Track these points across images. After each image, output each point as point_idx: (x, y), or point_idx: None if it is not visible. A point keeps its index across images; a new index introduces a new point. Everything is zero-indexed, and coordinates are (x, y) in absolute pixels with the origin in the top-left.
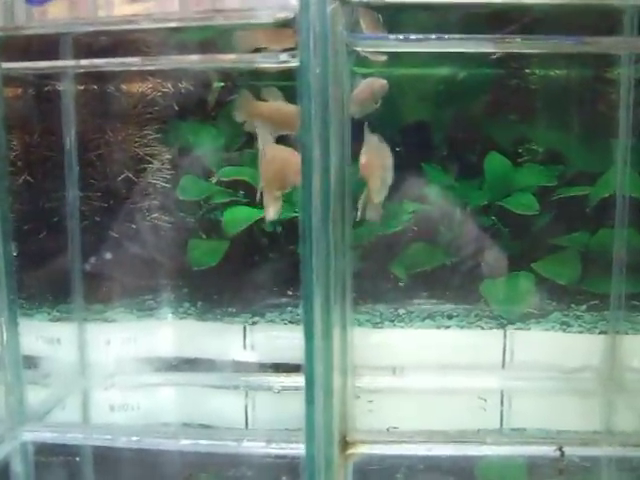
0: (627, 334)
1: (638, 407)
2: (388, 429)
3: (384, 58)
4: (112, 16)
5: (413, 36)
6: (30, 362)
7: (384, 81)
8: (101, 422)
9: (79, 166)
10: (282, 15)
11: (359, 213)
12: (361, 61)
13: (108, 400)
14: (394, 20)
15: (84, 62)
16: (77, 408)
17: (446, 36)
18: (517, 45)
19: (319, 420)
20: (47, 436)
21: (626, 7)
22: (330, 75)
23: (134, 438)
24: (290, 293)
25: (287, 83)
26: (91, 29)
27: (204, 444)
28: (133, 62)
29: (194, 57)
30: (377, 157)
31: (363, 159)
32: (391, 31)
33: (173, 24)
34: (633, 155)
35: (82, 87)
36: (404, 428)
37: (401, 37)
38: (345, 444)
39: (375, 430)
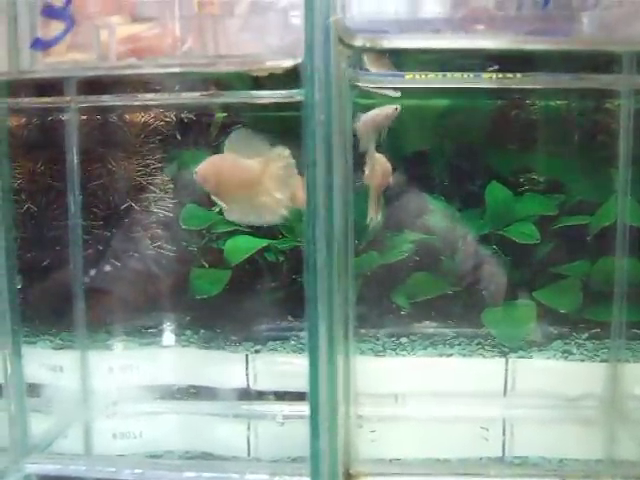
0: (628, 362)
1: (639, 436)
2: (391, 460)
3: (397, 94)
4: (115, 61)
5: (414, 74)
6: (33, 390)
7: (390, 110)
8: (103, 450)
9: (82, 195)
10: (288, 64)
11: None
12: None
13: (110, 428)
14: (398, 54)
15: (88, 98)
16: (80, 436)
17: (447, 74)
18: (517, 81)
19: (324, 451)
20: (50, 468)
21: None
22: (334, 111)
23: (137, 470)
24: (292, 322)
25: (287, 114)
26: (94, 74)
27: (207, 476)
28: (137, 98)
29: (198, 94)
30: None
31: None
32: (396, 64)
33: (176, 69)
34: (633, 184)
35: (85, 117)
36: (407, 458)
37: (402, 75)
38: (349, 477)
39: (378, 461)
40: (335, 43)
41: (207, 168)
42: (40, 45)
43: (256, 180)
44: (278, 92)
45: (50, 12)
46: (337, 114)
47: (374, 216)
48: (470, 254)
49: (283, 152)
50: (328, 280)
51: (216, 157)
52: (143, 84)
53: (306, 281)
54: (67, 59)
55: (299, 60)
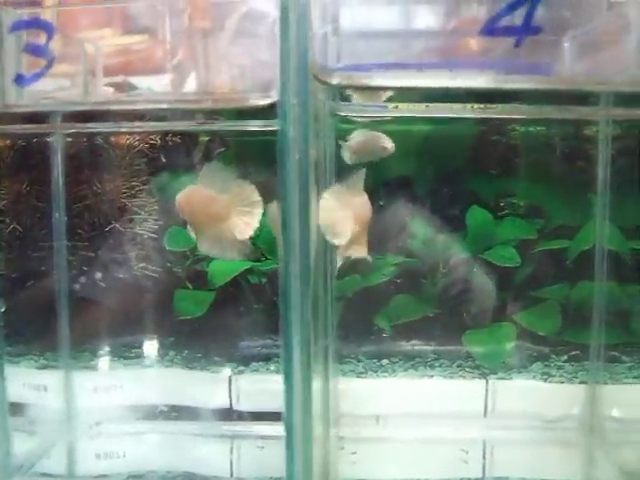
0: (606, 384)
1: (617, 459)
2: None
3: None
4: (101, 96)
5: (396, 105)
6: (17, 409)
7: (389, 145)
8: (87, 471)
9: (67, 216)
10: (266, 101)
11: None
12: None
13: (94, 448)
14: None
15: (75, 125)
16: (63, 456)
17: (430, 105)
18: (499, 111)
19: (299, 473)
20: None
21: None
22: (310, 139)
23: None
24: (275, 343)
25: (271, 138)
26: (80, 108)
27: None
28: (122, 126)
29: (182, 123)
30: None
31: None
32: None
33: (164, 105)
34: (611, 209)
35: (70, 139)
36: None
37: (384, 106)
38: None
39: None
40: (311, 82)
41: (183, 197)
42: (22, 81)
43: (223, 215)
44: (259, 122)
45: (31, 49)
46: (317, 143)
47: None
48: (458, 276)
49: (249, 189)
50: (302, 307)
51: (193, 188)
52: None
53: (281, 308)
54: (54, 95)
55: (275, 98)
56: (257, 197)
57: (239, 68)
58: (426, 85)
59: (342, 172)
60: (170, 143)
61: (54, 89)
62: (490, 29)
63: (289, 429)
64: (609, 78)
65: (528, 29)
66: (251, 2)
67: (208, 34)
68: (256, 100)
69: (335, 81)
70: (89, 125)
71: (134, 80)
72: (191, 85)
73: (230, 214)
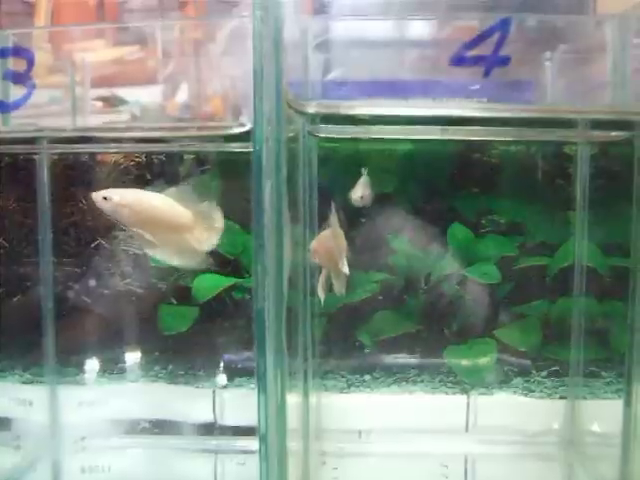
0: (585, 399)
1: (596, 473)
2: None
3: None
4: (87, 124)
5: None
6: (2, 424)
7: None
8: None
9: (53, 232)
10: (241, 129)
11: (320, 294)
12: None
13: (79, 462)
14: None
15: (59, 146)
16: (48, 470)
17: (412, 127)
18: (480, 133)
19: None
20: None
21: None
22: (282, 163)
23: None
24: None
25: None
26: (65, 135)
27: None
28: (109, 147)
29: (161, 145)
30: (329, 242)
31: (314, 245)
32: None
33: (144, 133)
34: (590, 227)
35: (56, 156)
36: None
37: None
38: None
39: None
40: (285, 111)
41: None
42: (3, 108)
43: (187, 227)
44: (236, 144)
45: (12, 77)
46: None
47: (339, 289)
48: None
49: (216, 214)
50: (276, 326)
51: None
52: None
53: (255, 327)
54: (44, 109)
55: (249, 127)
56: (221, 223)
57: (230, 79)
58: (406, 114)
59: (322, 190)
60: (155, 161)
61: (46, 102)
62: (459, 59)
63: (264, 444)
64: (586, 107)
65: (497, 59)
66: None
67: (200, 45)
68: (231, 129)
69: (312, 110)
70: (74, 146)
71: (125, 91)
72: (182, 96)
73: (194, 228)
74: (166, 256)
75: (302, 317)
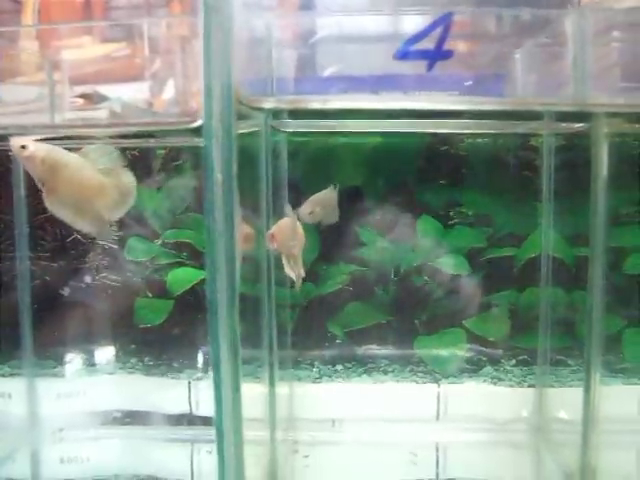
0: (553, 387)
1: (561, 459)
2: None
3: None
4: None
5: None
6: None
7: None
8: (51, 475)
9: (30, 227)
10: (193, 125)
11: (291, 275)
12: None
13: (58, 453)
14: None
15: None
16: (27, 461)
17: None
18: (449, 126)
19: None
20: None
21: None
22: (233, 159)
23: None
24: None
25: None
26: (36, 134)
27: None
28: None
29: (123, 140)
30: (288, 230)
31: (272, 231)
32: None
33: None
34: (556, 218)
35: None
36: None
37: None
38: None
39: None
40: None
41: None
42: None
43: (95, 192)
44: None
45: None
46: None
47: (295, 278)
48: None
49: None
50: (229, 319)
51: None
52: None
53: (209, 320)
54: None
55: (200, 122)
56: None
57: None
58: (370, 107)
59: (293, 184)
60: (129, 156)
61: (32, 99)
62: (403, 53)
63: (220, 434)
64: (551, 98)
65: (440, 53)
66: None
67: (186, 41)
68: (185, 124)
69: (268, 106)
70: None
71: (112, 88)
72: (169, 92)
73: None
74: (70, 218)
75: (267, 308)
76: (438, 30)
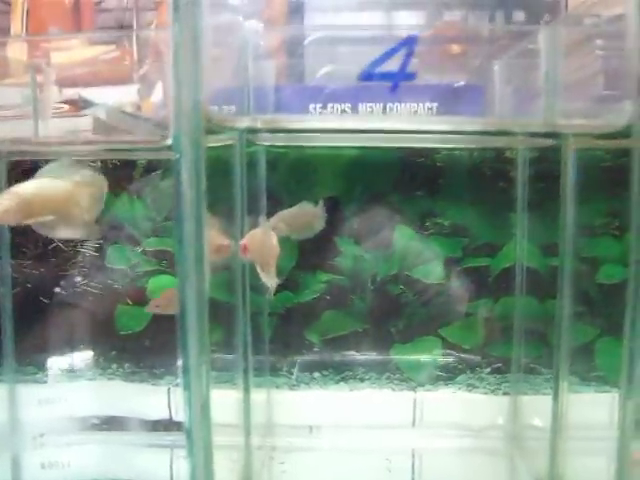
0: (526, 394)
1: (534, 466)
2: None
3: None
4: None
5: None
6: None
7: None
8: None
9: (11, 234)
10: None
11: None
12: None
13: (39, 458)
14: None
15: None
16: (8, 466)
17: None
18: (426, 140)
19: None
20: None
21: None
22: (202, 173)
23: None
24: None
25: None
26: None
27: None
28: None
29: (90, 147)
30: (260, 240)
31: (245, 241)
32: None
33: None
34: (530, 228)
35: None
36: None
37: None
38: None
39: None
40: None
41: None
42: None
43: (67, 199)
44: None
45: None
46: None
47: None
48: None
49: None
50: (199, 327)
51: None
52: None
53: (179, 329)
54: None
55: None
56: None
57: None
58: (348, 127)
59: (270, 195)
60: (110, 165)
61: (20, 102)
62: (367, 74)
63: (189, 439)
64: (526, 120)
65: (403, 75)
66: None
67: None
68: (156, 143)
69: (243, 124)
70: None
71: (99, 91)
72: (157, 95)
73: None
74: (56, 233)
75: (242, 315)
76: (402, 52)
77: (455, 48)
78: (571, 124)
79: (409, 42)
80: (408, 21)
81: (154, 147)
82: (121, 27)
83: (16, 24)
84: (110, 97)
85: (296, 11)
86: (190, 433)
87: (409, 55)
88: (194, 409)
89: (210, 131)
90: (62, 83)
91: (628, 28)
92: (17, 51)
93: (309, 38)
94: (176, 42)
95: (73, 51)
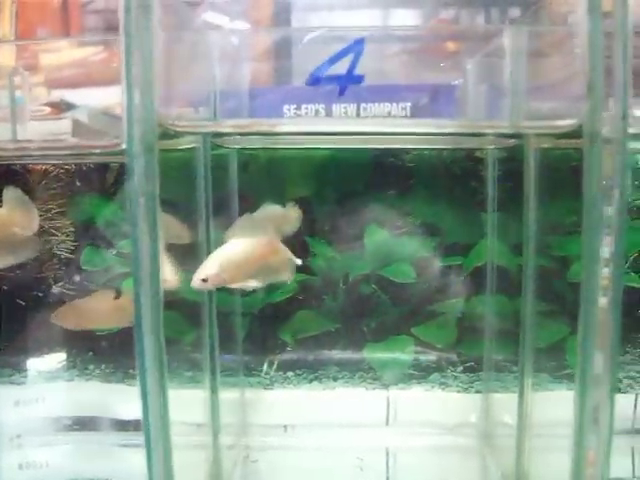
0: (498, 392)
1: (504, 463)
2: None
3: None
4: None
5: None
6: None
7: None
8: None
9: None
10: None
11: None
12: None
13: (17, 459)
14: None
15: None
16: None
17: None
18: (398, 141)
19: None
20: None
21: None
22: (155, 178)
23: None
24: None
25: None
26: None
27: None
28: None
29: (62, 152)
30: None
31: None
32: None
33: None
34: (500, 227)
35: None
36: None
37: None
38: None
39: None
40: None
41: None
42: None
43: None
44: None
45: None
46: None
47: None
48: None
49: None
50: (155, 331)
51: None
52: None
53: (135, 333)
54: None
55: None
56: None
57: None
58: (320, 130)
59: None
60: (84, 168)
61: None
62: (315, 78)
63: (147, 439)
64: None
65: (351, 78)
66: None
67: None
68: (110, 148)
69: (205, 130)
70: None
71: (87, 93)
72: None
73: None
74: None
75: (208, 314)
76: (350, 56)
77: (429, 48)
78: (533, 124)
79: (357, 45)
80: (403, 20)
81: (110, 151)
82: (110, 29)
83: (4, 26)
84: (98, 98)
85: (284, 11)
86: (148, 434)
87: (357, 58)
88: (152, 410)
89: (168, 135)
90: (51, 84)
91: (579, 27)
92: (5, 53)
93: (302, 38)
94: (126, 47)
95: (62, 53)
